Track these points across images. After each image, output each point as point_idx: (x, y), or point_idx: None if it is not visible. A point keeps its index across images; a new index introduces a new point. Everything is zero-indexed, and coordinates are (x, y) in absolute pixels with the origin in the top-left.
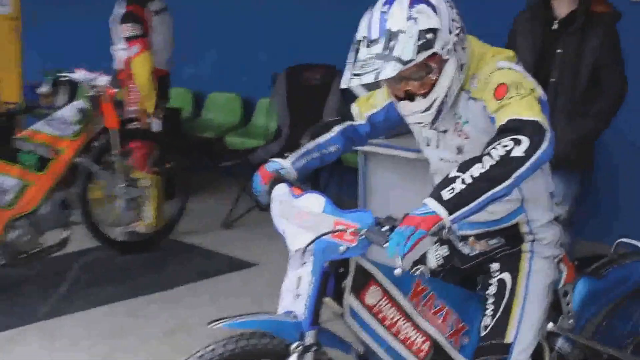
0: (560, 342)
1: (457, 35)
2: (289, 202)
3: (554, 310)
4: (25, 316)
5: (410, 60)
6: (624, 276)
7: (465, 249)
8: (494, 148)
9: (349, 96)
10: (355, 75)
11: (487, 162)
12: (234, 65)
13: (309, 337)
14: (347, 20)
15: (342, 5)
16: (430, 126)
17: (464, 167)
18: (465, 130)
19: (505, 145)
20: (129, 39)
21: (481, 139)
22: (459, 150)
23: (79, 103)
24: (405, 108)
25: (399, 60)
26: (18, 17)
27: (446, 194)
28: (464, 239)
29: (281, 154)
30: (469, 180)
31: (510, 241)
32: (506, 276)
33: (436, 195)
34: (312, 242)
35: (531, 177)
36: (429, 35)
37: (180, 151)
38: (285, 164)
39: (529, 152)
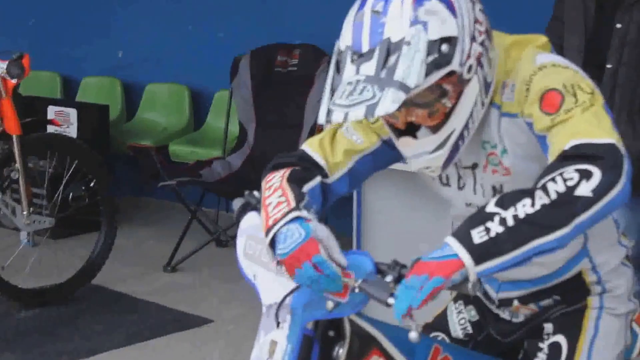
0: None
1: (482, 43)
2: (263, 239)
3: None
4: None
5: (418, 86)
6: None
7: (506, 315)
8: (551, 180)
9: None
10: (337, 105)
11: (540, 200)
12: (180, 46)
13: None
14: None
15: None
16: (439, 172)
17: (506, 201)
18: (506, 162)
19: (569, 179)
20: None
21: (527, 172)
22: (497, 192)
23: None
24: (407, 147)
25: (402, 86)
26: None
27: (477, 236)
28: (503, 303)
29: (245, 169)
30: (510, 222)
31: (570, 297)
32: (561, 339)
33: (463, 235)
34: (290, 294)
35: None
36: (444, 48)
37: (106, 165)
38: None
39: (600, 191)
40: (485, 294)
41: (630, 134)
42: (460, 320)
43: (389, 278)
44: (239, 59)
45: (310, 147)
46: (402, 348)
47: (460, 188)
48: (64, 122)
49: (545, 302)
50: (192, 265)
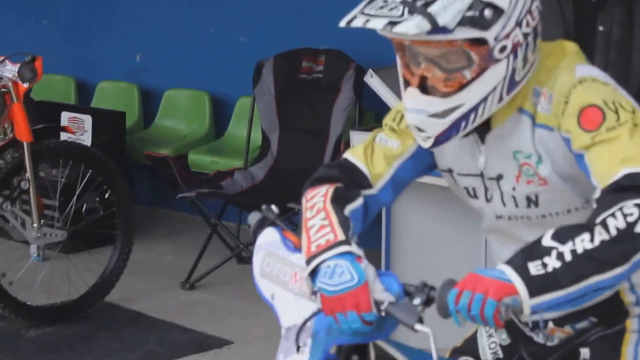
0: None
1: (525, 35)
2: (282, 257)
3: None
4: None
5: (445, 29)
6: None
7: (540, 338)
8: (612, 215)
9: (368, 95)
10: (363, 13)
11: (599, 235)
12: (201, 50)
13: None
14: None
15: None
16: (430, 144)
17: (563, 235)
18: (542, 173)
19: (628, 214)
20: None
21: (565, 186)
22: (532, 202)
23: None
24: (410, 98)
25: (431, 19)
26: None
27: (534, 269)
28: (537, 325)
29: (268, 180)
30: (568, 257)
31: (607, 319)
32: None
33: (519, 265)
34: (313, 316)
35: None
36: (487, 12)
37: (122, 175)
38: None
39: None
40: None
41: None
42: (490, 344)
43: (417, 301)
44: (262, 63)
45: (353, 155)
46: None
47: (488, 200)
48: (78, 129)
49: (582, 325)
50: (212, 283)
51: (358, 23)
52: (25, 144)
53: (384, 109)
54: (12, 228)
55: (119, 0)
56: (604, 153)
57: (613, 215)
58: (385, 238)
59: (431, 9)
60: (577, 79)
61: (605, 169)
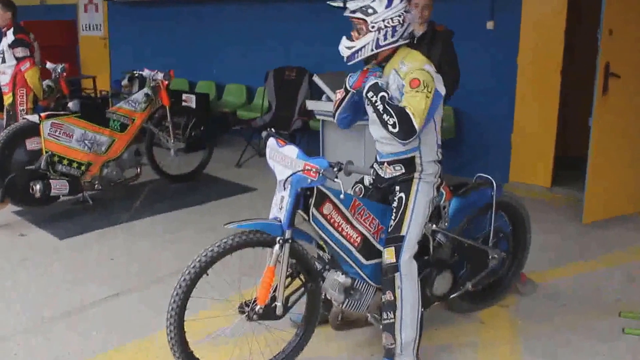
0: (439, 236)
1: (385, 26)
2: (276, 150)
3: (438, 217)
4: (114, 220)
5: (351, 11)
6: (479, 197)
7: (381, 172)
8: (392, 116)
9: (314, 88)
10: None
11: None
12: (243, 65)
13: (287, 234)
14: (314, 38)
15: (311, 31)
16: (346, 60)
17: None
18: (389, 87)
19: (391, 123)
20: (20, 58)
21: (393, 94)
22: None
23: (146, 90)
24: (342, 40)
25: (345, 4)
26: (107, 37)
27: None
28: (381, 163)
29: (272, 122)
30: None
31: (407, 169)
32: (403, 195)
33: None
34: (290, 176)
35: (425, 132)
36: (370, 11)
37: (208, 120)
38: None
39: (399, 133)
40: (376, 160)
41: None
42: (368, 180)
43: (335, 168)
44: (268, 72)
45: None
46: (340, 199)
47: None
48: (190, 101)
49: (397, 168)
50: (248, 164)
51: (333, 2)
52: (167, 107)
53: (321, 92)
54: (163, 142)
55: (211, 45)
56: (412, 98)
57: (392, 116)
58: (322, 150)
59: (350, 2)
60: (421, 67)
61: (404, 102)
